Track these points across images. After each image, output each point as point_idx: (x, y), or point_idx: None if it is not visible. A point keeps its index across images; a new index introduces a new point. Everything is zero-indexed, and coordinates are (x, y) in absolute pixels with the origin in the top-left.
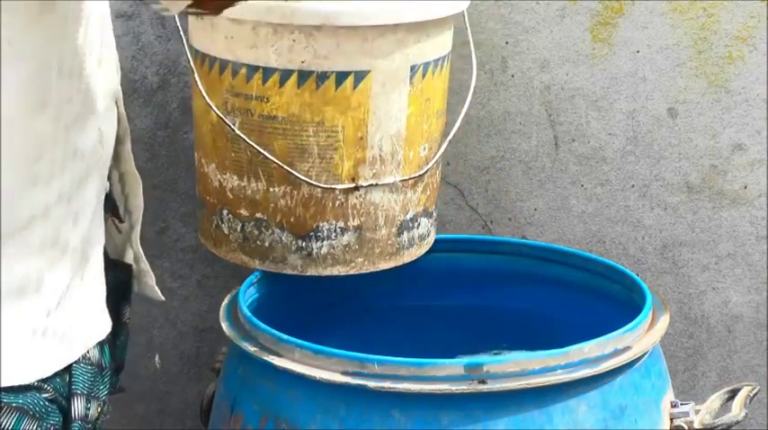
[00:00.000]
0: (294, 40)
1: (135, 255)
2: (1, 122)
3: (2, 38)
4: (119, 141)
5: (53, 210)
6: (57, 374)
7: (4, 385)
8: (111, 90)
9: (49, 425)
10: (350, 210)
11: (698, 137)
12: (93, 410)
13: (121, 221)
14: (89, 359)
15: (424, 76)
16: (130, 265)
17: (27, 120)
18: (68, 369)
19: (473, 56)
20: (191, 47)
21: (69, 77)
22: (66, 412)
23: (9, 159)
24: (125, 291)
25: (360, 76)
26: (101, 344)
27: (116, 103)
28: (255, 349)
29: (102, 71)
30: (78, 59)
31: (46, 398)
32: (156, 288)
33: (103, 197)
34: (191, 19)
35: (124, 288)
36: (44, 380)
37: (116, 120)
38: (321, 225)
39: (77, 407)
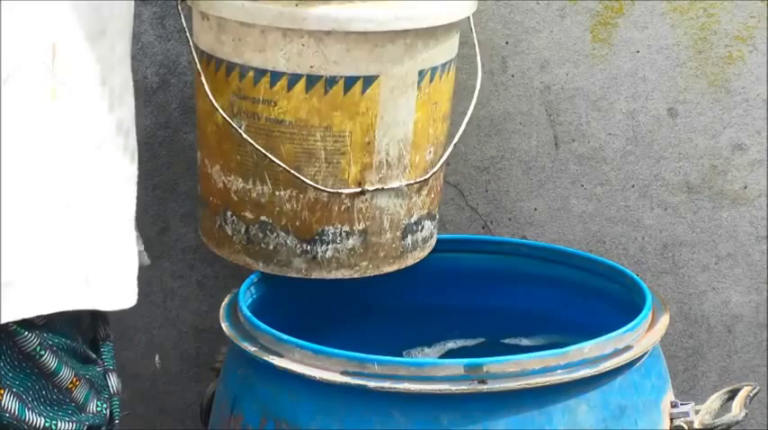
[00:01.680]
0: (303, 45)
1: None
2: (72, 46)
3: None
4: None
5: (112, 137)
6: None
7: (120, 307)
8: None
9: (104, 399)
10: (355, 215)
11: (698, 137)
12: (120, 385)
13: None
14: (109, 336)
15: (431, 80)
16: None
17: (90, 43)
18: (96, 347)
19: (478, 59)
20: (196, 47)
21: (120, 13)
22: (107, 388)
23: (80, 79)
24: None
25: (368, 81)
26: (108, 321)
27: None
28: (255, 349)
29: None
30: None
31: (101, 372)
32: (145, 253)
33: None
34: (196, 19)
35: None
36: (97, 353)
37: None
38: (326, 229)
39: (113, 382)
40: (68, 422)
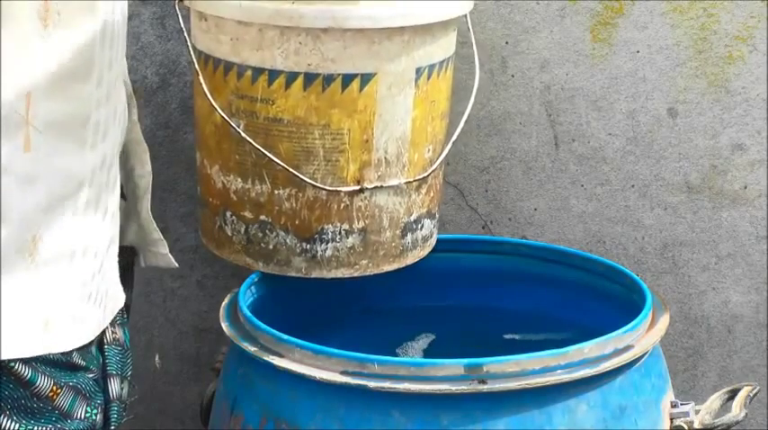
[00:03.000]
0: (301, 43)
1: (145, 226)
2: (55, 89)
3: (56, 10)
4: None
5: (97, 174)
6: (94, 356)
7: (65, 349)
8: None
9: (96, 405)
10: (355, 213)
11: (698, 137)
12: (126, 390)
13: (124, 199)
14: (117, 340)
15: (429, 78)
16: (129, 247)
17: (77, 84)
18: (101, 350)
19: (476, 57)
20: (194, 48)
21: (110, 46)
22: (104, 393)
23: (62, 123)
24: (125, 275)
25: (366, 78)
26: (122, 326)
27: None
28: (256, 349)
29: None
30: (116, 28)
31: (92, 379)
32: (170, 256)
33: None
34: (194, 20)
35: (124, 271)
36: (88, 361)
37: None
38: (326, 227)
39: (114, 387)
40: (50, 429)
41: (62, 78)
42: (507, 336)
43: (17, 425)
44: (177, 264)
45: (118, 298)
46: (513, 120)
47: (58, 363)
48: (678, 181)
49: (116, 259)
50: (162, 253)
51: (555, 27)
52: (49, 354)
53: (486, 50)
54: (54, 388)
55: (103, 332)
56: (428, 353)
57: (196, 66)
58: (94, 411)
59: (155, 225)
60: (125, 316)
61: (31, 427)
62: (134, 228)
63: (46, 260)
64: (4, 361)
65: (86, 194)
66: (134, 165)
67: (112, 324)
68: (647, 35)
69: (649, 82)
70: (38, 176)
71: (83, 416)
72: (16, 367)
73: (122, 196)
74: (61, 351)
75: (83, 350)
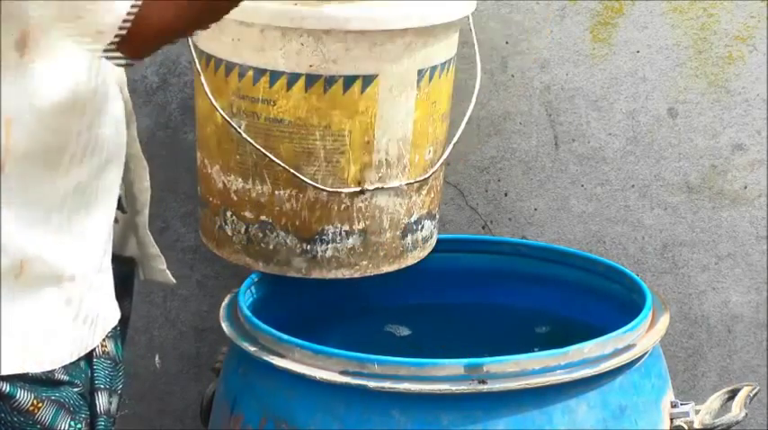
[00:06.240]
0: (302, 44)
1: (142, 240)
2: (34, 119)
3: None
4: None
5: (69, 200)
6: (82, 370)
7: (45, 369)
8: (117, 75)
9: (80, 419)
10: (355, 214)
11: (698, 137)
12: (115, 405)
13: (123, 211)
14: (107, 353)
15: (431, 79)
16: (130, 258)
17: (58, 116)
18: (90, 364)
19: (477, 58)
20: (196, 47)
21: (96, 75)
22: (91, 407)
23: (36, 152)
24: (125, 285)
25: (368, 80)
26: (114, 339)
27: (120, 88)
28: (255, 349)
29: None
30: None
31: (77, 393)
32: (168, 272)
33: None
34: None
35: (124, 282)
36: (73, 375)
37: (122, 104)
38: (326, 228)
39: (102, 401)
40: None
41: (43, 110)
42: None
43: None
44: (174, 280)
45: (110, 317)
46: (513, 120)
47: (38, 380)
48: (678, 181)
49: (110, 279)
50: (160, 268)
51: (555, 27)
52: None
53: (487, 50)
54: (35, 402)
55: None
56: (428, 352)
57: (198, 66)
58: (78, 425)
59: (152, 241)
60: (118, 329)
61: None
62: (133, 241)
63: (28, 282)
64: None
65: (58, 219)
66: (133, 179)
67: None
68: (647, 35)
69: (649, 82)
70: (9, 202)
71: None
72: None
73: (122, 209)
74: (40, 370)
75: (67, 365)
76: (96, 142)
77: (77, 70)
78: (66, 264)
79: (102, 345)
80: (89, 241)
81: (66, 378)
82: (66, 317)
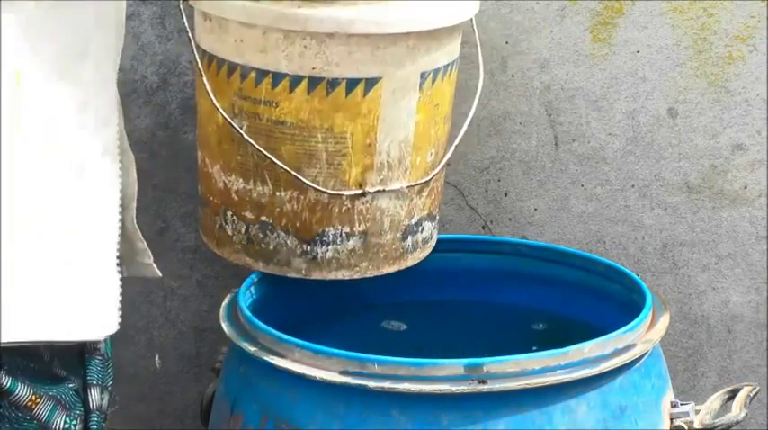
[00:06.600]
0: (305, 47)
1: (130, 236)
2: (48, 70)
3: None
4: None
5: (99, 162)
6: (76, 366)
7: (112, 332)
8: None
9: (75, 415)
10: (356, 216)
11: (698, 137)
12: (106, 401)
13: None
14: (98, 350)
15: (433, 82)
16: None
17: (67, 66)
18: (82, 360)
19: (480, 59)
20: (198, 47)
21: (105, 28)
22: (84, 403)
23: (59, 106)
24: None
25: (370, 83)
26: None
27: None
28: (255, 349)
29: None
30: (111, 10)
31: (72, 389)
32: (154, 265)
33: None
34: (198, 19)
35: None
36: (70, 370)
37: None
38: (327, 230)
39: (94, 397)
40: None
41: (55, 58)
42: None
43: None
44: (161, 274)
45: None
46: (513, 120)
47: (39, 374)
48: (678, 181)
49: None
50: (146, 263)
51: (555, 27)
52: (30, 364)
53: (487, 50)
54: (33, 397)
55: (84, 342)
56: (428, 352)
57: (199, 65)
58: (74, 422)
59: (140, 235)
60: None
61: None
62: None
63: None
64: None
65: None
66: (120, 172)
67: None
68: (647, 35)
69: (649, 82)
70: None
71: (61, 427)
72: None
73: None
74: (111, 333)
75: (64, 359)
76: (115, 105)
77: (86, 23)
78: (98, 231)
79: (93, 342)
80: (113, 214)
81: (64, 373)
82: (106, 282)
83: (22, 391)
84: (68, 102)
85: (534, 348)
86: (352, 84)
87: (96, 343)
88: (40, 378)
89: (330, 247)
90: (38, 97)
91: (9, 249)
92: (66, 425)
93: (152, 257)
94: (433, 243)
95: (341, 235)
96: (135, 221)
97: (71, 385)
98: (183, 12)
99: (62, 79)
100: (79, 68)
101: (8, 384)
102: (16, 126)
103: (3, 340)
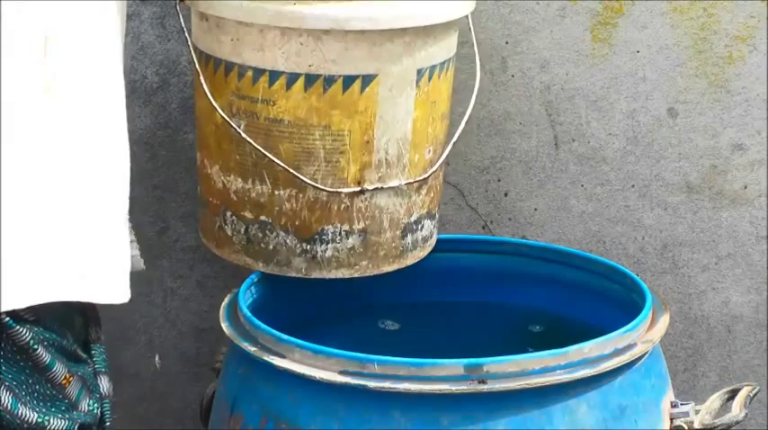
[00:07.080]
0: (302, 44)
1: None
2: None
3: None
4: None
5: (112, 134)
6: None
7: (125, 300)
8: None
9: (96, 399)
10: (355, 214)
11: (698, 137)
12: (111, 389)
13: None
14: (99, 338)
15: (430, 79)
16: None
17: (86, 35)
18: (88, 349)
19: (477, 58)
20: (195, 48)
21: (112, 14)
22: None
23: (77, 76)
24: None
25: (367, 80)
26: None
27: None
28: (255, 349)
29: None
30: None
31: (91, 372)
32: (140, 257)
33: None
34: (195, 20)
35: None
36: (87, 353)
37: None
38: (326, 228)
39: (104, 384)
40: (61, 419)
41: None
42: (507, 337)
43: (35, 415)
44: (144, 266)
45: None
46: (513, 120)
47: (67, 352)
48: (678, 181)
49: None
50: (132, 254)
51: (555, 27)
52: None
53: (486, 50)
54: (67, 375)
55: (88, 331)
56: (427, 351)
57: (197, 66)
58: (95, 405)
59: (129, 227)
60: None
61: (47, 417)
62: None
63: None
64: (28, 343)
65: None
66: None
67: (95, 322)
68: (647, 35)
69: (649, 82)
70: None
71: (86, 409)
72: (38, 351)
73: None
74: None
75: (79, 342)
76: (121, 79)
77: None
78: (111, 200)
79: (95, 331)
80: (124, 185)
81: (84, 355)
82: (119, 249)
83: (59, 369)
84: (89, 74)
85: (529, 349)
86: (348, 81)
87: (99, 331)
88: (68, 356)
89: (329, 246)
90: (63, 65)
91: (29, 214)
92: (90, 408)
93: (138, 249)
94: (433, 241)
95: (340, 233)
96: (126, 215)
97: (89, 368)
98: (179, 12)
99: (84, 51)
100: (96, 40)
101: (47, 360)
102: (44, 91)
103: (25, 302)
